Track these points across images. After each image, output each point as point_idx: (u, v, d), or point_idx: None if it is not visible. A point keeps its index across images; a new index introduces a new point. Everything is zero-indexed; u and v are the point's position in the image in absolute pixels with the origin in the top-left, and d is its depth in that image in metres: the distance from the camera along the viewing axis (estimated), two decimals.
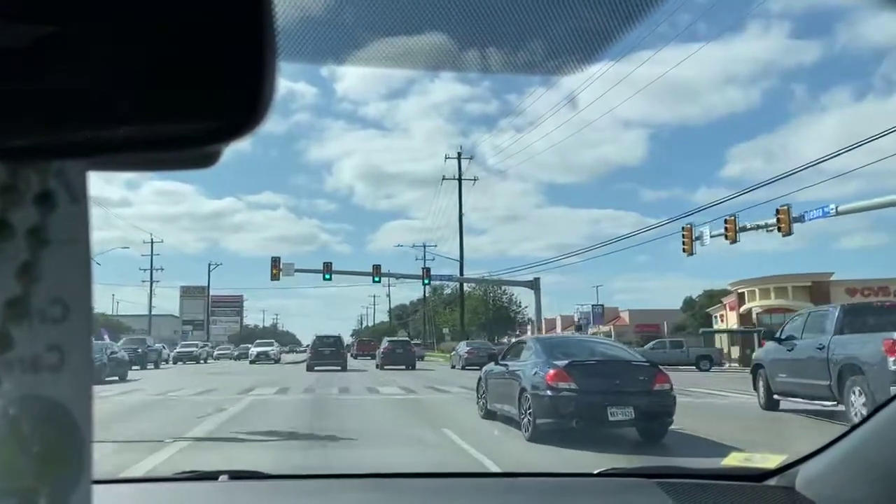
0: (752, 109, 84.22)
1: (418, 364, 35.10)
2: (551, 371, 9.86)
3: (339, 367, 30.04)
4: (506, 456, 8.71)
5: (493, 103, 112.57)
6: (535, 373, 10.17)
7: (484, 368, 13.06)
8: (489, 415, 12.05)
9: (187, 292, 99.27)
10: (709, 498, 2.01)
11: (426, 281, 50.48)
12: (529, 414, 9.94)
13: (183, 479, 2.17)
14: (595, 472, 2.19)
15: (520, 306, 69.66)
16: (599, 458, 8.32)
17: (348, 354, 34.33)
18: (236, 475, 2.12)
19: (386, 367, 31.63)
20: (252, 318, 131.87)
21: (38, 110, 0.63)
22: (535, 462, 8.59)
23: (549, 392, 9.72)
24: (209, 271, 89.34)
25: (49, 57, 0.61)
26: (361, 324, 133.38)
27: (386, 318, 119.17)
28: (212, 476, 2.10)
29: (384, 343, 36.25)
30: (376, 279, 47.11)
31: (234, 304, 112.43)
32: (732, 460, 2.52)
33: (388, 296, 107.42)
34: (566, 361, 10.01)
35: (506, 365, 11.68)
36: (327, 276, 44.05)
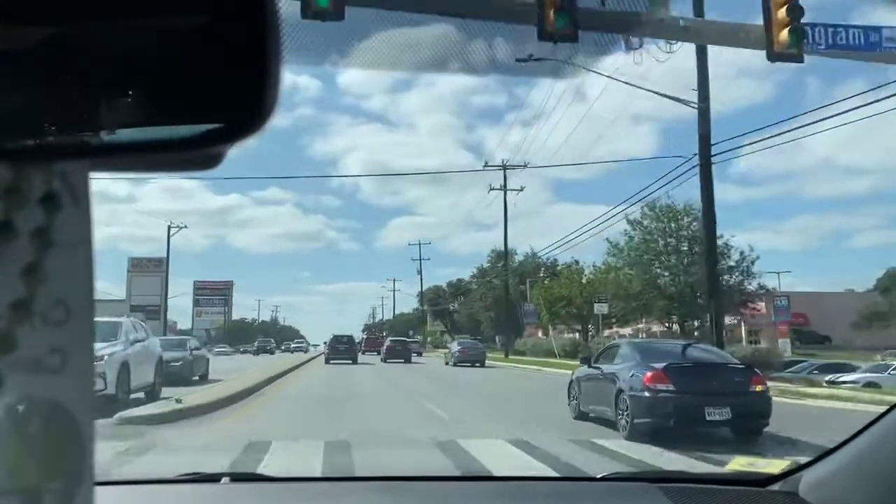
0: (765, 103, 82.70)
1: (415, 358, 41.62)
2: (649, 373, 10.24)
3: (350, 361, 36.08)
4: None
5: (500, 96, 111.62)
6: (633, 375, 10.53)
7: (575, 373, 13.24)
8: (581, 416, 12.28)
9: (138, 266, 69.98)
10: (712, 503, 2.00)
11: None
12: (627, 414, 10.29)
13: (185, 480, 2.16)
14: (598, 476, 2.18)
15: (743, 259, 34.44)
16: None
17: (358, 351, 40.69)
18: (238, 477, 2.13)
19: (388, 361, 37.88)
20: (258, 313, 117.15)
21: (42, 112, 0.63)
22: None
23: (646, 393, 10.10)
24: (168, 236, 57.53)
25: (53, 59, 0.61)
26: (374, 318, 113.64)
27: (404, 310, 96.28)
28: (214, 478, 2.10)
29: (387, 342, 43.94)
30: None
31: (222, 293, 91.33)
32: (736, 465, 2.52)
33: (419, 272, 77.52)
34: (664, 364, 10.38)
35: (599, 368, 12.02)
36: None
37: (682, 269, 34.35)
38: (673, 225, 35.00)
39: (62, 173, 0.67)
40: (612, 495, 2.14)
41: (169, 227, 57.62)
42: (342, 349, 37.47)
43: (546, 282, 50.35)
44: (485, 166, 48.41)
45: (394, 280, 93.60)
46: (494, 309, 57.36)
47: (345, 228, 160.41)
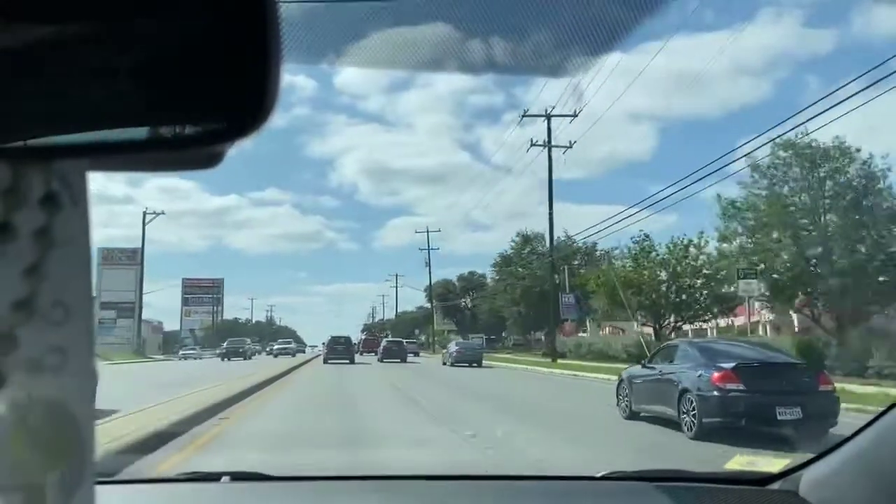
0: (765, 101, 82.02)
1: (411, 358, 42.86)
2: (718, 373, 10.30)
3: (348, 361, 37.36)
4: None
5: (498, 95, 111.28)
6: (700, 375, 10.59)
7: (625, 373, 13.33)
8: (632, 416, 12.35)
9: (109, 258, 61.37)
10: (711, 502, 2.00)
11: None
12: (693, 414, 10.36)
13: (185, 479, 2.17)
14: (597, 475, 2.18)
15: None
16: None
17: (355, 352, 42.23)
18: (238, 476, 2.12)
19: (385, 361, 39.24)
20: (251, 313, 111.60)
21: (41, 111, 0.63)
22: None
23: (715, 393, 10.17)
24: (144, 223, 51.16)
25: (52, 58, 0.60)
26: (373, 317, 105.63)
27: (407, 308, 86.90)
28: (214, 477, 2.10)
29: (383, 342, 45.32)
30: None
31: (211, 291, 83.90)
32: (735, 464, 2.51)
33: (428, 264, 67.00)
34: (733, 364, 10.45)
35: (654, 368, 12.12)
36: None
37: (844, 234, 23.37)
38: (827, 168, 23.99)
39: (61, 173, 0.67)
40: (612, 494, 2.13)
41: (144, 214, 51.69)
42: (340, 349, 39.29)
43: (600, 266, 39.12)
44: (524, 115, 39.52)
45: (396, 276, 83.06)
46: (524, 302, 47.58)
47: (343, 229, 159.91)
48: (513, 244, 53.52)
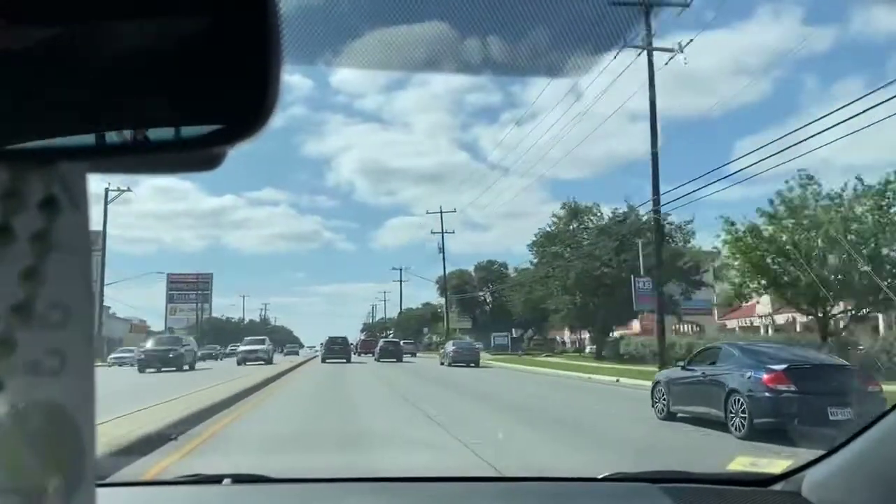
0: (764, 100, 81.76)
1: (408, 358, 43.97)
2: (769, 375, 10.64)
3: (344, 360, 40.01)
4: None
5: (496, 94, 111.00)
6: (749, 377, 10.92)
7: (661, 375, 13.62)
8: (669, 416, 12.60)
9: None
10: (713, 503, 1.99)
11: None
12: (742, 414, 10.64)
13: (187, 482, 2.16)
14: (599, 476, 2.17)
15: None
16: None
17: (352, 353, 45.00)
18: (240, 479, 2.12)
19: (382, 360, 40.96)
20: (243, 311, 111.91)
21: (41, 113, 0.63)
22: None
23: (767, 394, 10.48)
24: (106, 202, 41.99)
25: (53, 59, 0.60)
26: (373, 317, 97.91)
27: (411, 307, 76.12)
28: (216, 480, 2.10)
29: (380, 342, 47.13)
30: None
31: (197, 287, 78.15)
32: (738, 465, 2.51)
33: (442, 250, 57.89)
34: (783, 365, 10.80)
35: (693, 370, 12.44)
36: None
37: None
38: None
39: (62, 176, 0.67)
40: (613, 496, 2.13)
41: (107, 191, 41.18)
42: (337, 349, 42.00)
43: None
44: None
45: (401, 269, 72.95)
46: (580, 290, 35.93)
47: (341, 229, 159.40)
48: (555, 220, 41.85)
